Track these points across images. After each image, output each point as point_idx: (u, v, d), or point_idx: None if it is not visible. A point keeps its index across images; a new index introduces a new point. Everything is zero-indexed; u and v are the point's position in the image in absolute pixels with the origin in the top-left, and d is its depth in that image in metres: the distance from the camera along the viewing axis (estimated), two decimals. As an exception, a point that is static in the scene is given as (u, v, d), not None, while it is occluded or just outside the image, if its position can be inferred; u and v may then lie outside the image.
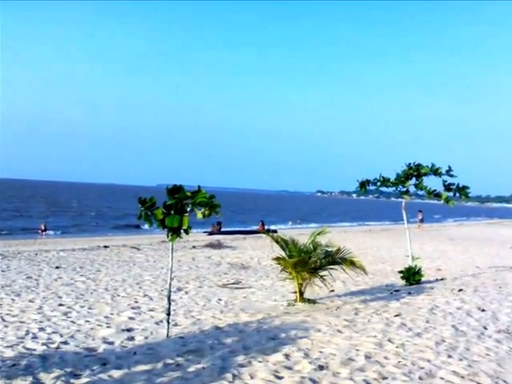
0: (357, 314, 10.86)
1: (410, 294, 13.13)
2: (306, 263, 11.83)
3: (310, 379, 6.82)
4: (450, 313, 10.86)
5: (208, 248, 25.50)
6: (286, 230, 39.95)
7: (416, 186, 15.52)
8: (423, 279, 14.93)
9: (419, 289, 13.84)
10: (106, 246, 25.03)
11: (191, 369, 7.23)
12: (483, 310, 11.07)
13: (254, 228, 44.02)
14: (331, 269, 12.31)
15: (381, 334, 9.06)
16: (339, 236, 32.20)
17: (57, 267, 17.40)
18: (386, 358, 7.72)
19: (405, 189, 15.60)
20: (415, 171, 15.33)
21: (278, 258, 12.28)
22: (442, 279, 15.71)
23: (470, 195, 15.39)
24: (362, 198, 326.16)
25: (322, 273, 12.26)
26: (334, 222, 67.13)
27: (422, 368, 7.24)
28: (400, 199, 16.54)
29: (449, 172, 15.11)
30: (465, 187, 15.13)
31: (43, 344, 8.47)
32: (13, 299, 12.08)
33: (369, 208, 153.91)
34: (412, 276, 14.64)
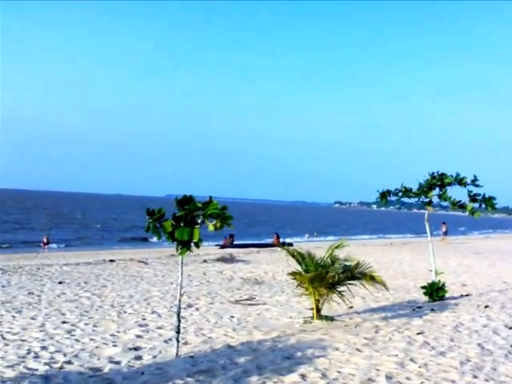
0: (377, 331, 10.85)
1: (433, 310, 13.10)
2: (324, 278, 11.84)
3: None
4: (475, 331, 10.83)
5: (220, 262, 25.54)
6: (303, 243, 40.08)
7: (439, 196, 15.49)
8: (447, 295, 14.89)
9: (443, 305, 13.81)
10: (111, 260, 25.15)
11: (202, 389, 7.25)
12: (511, 328, 11.03)
13: (269, 241, 44.05)
14: (350, 284, 12.30)
15: (402, 353, 9.06)
16: (358, 249, 32.11)
17: (60, 282, 17.50)
18: (408, 378, 7.71)
19: (428, 199, 15.58)
20: (439, 181, 15.31)
21: (293, 273, 12.30)
22: (467, 295, 15.66)
23: (496, 206, 15.34)
24: (383, 209, 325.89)
25: (341, 288, 12.26)
26: (353, 234, 67.04)
27: (446, 389, 7.23)
28: (423, 210, 16.52)
29: (474, 182, 15.07)
30: (491, 198, 15.08)
31: (46, 364, 8.52)
32: (13, 316, 12.15)
33: (390, 220, 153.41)
34: (435, 292, 14.60)
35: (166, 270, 21.63)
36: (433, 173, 15.42)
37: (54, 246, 41.71)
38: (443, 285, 14.74)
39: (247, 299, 15.08)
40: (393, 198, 16.41)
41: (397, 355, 8.94)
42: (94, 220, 79.73)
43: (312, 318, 12.19)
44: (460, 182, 15.18)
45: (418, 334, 10.55)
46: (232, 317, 12.55)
